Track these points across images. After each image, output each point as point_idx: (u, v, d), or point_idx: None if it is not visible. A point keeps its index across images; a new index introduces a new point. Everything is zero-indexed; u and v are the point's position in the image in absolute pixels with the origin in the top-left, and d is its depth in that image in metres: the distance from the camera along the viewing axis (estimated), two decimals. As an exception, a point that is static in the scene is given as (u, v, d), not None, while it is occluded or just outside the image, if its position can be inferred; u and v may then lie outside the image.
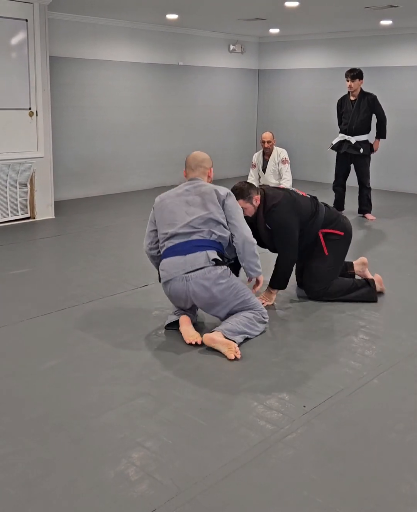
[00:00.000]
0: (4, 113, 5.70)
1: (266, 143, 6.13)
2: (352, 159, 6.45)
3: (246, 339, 3.19)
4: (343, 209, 6.70)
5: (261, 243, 3.68)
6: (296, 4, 5.93)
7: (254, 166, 6.33)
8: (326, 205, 3.89)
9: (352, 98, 6.31)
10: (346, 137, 6.34)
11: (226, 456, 2.19)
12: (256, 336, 3.25)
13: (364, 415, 2.51)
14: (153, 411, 2.50)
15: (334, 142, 6.48)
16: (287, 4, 5.94)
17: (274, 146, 6.21)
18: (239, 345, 3.09)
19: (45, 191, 6.19)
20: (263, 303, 3.62)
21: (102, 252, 4.97)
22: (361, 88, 6.25)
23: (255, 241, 3.28)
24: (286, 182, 6.12)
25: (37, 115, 5.94)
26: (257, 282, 3.37)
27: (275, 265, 3.71)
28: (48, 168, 6.15)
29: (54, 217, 6.27)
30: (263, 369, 2.90)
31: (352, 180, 6.64)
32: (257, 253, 3.30)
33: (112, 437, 2.30)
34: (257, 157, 6.35)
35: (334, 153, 6.63)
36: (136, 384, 2.72)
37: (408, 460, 2.20)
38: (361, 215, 6.55)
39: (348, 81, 6.17)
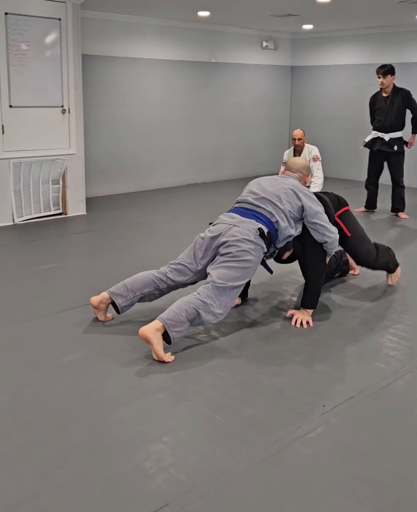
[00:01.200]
0: (37, 111, 5.80)
1: (297, 140, 6.08)
2: (385, 156, 6.33)
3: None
4: (376, 207, 6.60)
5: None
6: (328, -1, 5.85)
7: (285, 163, 6.28)
8: (326, 193, 3.90)
9: (384, 94, 6.18)
10: (380, 134, 6.23)
11: (242, 453, 2.18)
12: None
13: (384, 416, 2.47)
14: (171, 406, 2.51)
15: (367, 139, 6.37)
16: (319, -1, 5.87)
17: (305, 143, 6.15)
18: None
19: (77, 188, 6.27)
20: (297, 319, 3.41)
21: (130, 248, 5.01)
22: (394, 84, 6.13)
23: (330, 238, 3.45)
24: (317, 180, 6.05)
25: (69, 112, 6.02)
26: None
27: (309, 282, 3.47)
28: (80, 165, 6.23)
29: (85, 213, 6.35)
30: (285, 367, 2.88)
31: (385, 177, 6.53)
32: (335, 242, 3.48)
33: (129, 430, 2.32)
34: (288, 154, 6.30)
35: (367, 150, 6.52)
36: (155, 379, 2.73)
37: (428, 462, 2.15)
38: (394, 213, 6.43)
39: (379, 77, 6.05)
